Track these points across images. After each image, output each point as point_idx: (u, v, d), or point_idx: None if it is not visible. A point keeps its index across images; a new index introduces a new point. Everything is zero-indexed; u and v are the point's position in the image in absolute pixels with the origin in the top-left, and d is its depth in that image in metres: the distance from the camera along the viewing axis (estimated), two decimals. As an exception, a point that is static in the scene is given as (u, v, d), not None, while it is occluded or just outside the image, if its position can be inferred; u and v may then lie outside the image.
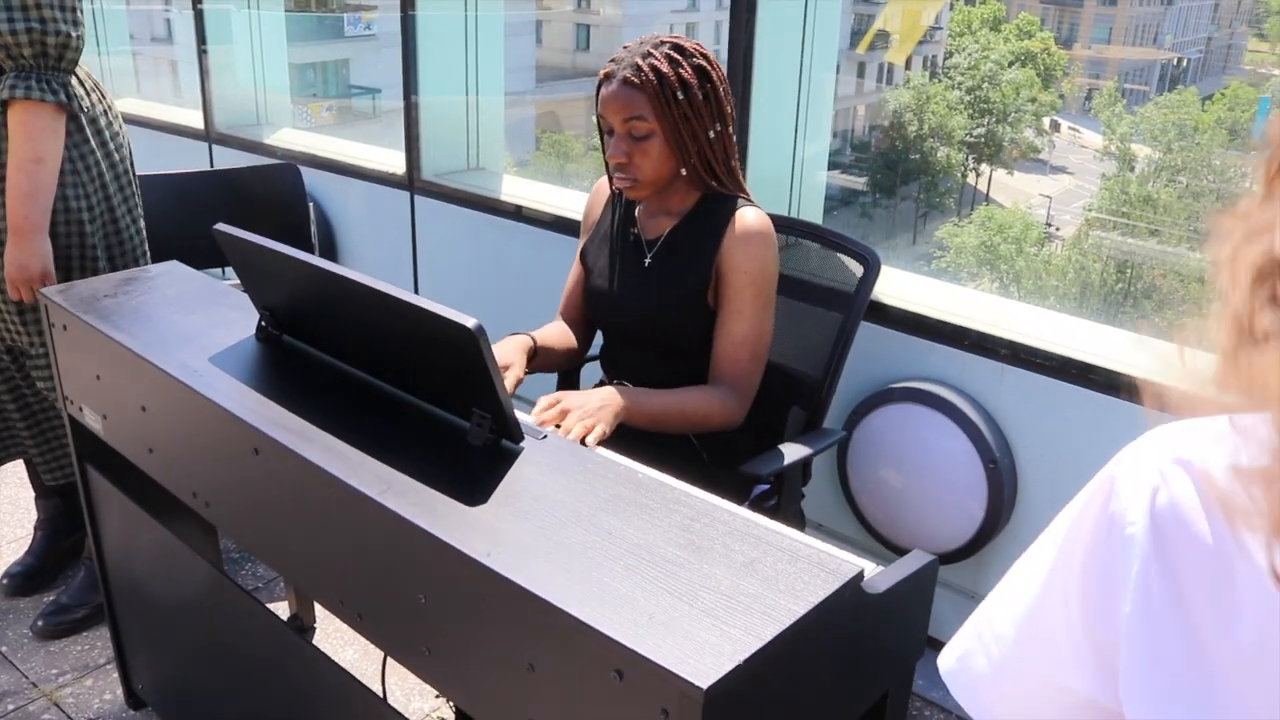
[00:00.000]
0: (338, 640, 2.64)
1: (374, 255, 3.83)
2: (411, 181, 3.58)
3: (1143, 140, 33.15)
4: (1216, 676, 0.72)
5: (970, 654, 0.89)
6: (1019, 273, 28.72)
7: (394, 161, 3.72)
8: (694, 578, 1.15)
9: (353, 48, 29.81)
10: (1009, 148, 36.25)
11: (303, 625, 2.52)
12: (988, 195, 36.13)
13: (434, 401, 1.56)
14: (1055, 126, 39.03)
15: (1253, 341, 0.49)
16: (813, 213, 2.95)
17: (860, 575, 1.19)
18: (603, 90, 1.94)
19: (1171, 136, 31.93)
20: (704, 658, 1.02)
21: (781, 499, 2.05)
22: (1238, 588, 0.70)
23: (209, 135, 4.41)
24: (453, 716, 2.32)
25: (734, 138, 2.01)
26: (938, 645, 2.61)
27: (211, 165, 4.41)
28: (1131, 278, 28.63)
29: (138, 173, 2.57)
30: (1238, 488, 0.64)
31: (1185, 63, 42.34)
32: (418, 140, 3.53)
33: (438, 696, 2.48)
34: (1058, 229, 33.38)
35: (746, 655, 1.03)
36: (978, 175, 36.89)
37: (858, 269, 2.20)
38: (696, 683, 0.99)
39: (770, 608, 1.10)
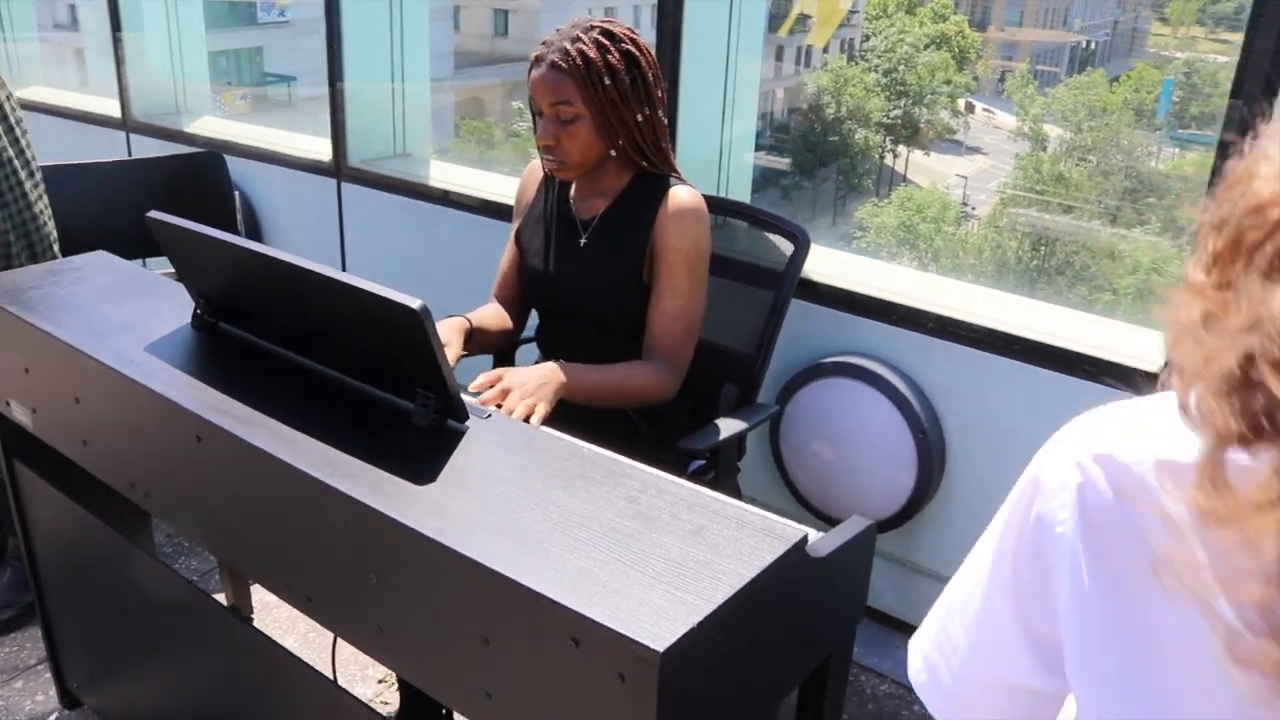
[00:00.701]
0: (276, 630, 2.63)
1: (301, 243, 3.79)
2: (338, 168, 3.55)
3: (1054, 121, 33.85)
4: (1151, 655, 0.75)
5: (935, 666, 0.93)
6: (938, 252, 29.18)
7: (319, 148, 3.68)
8: (645, 546, 1.18)
9: (266, 35, 29.23)
10: (925, 129, 36.77)
11: (241, 616, 2.51)
12: (905, 176, 36.61)
13: (377, 384, 1.56)
14: (970, 108, 39.64)
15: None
16: (741, 193, 2.99)
17: (804, 540, 1.23)
18: (533, 73, 1.96)
19: (1082, 117, 32.65)
20: (658, 622, 1.05)
21: (718, 473, 2.09)
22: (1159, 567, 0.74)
23: (126, 124, 4.32)
24: (396, 702, 2.32)
25: (664, 120, 2.04)
26: (873, 614, 2.68)
27: (130, 154, 4.32)
28: (1046, 255, 29.26)
29: (51, 163, 2.52)
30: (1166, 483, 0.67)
31: (1093, 45, 43.27)
32: (344, 127, 3.50)
33: (380, 681, 2.49)
34: (974, 209, 33.95)
35: (700, 619, 1.06)
36: (895, 156, 37.35)
37: (788, 247, 2.25)
38: (652, 646, 1.01)
39: (720, 573, 1.14)
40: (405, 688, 2.18)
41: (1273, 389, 0.47)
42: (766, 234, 2.31)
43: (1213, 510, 0.52)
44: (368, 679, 2.49)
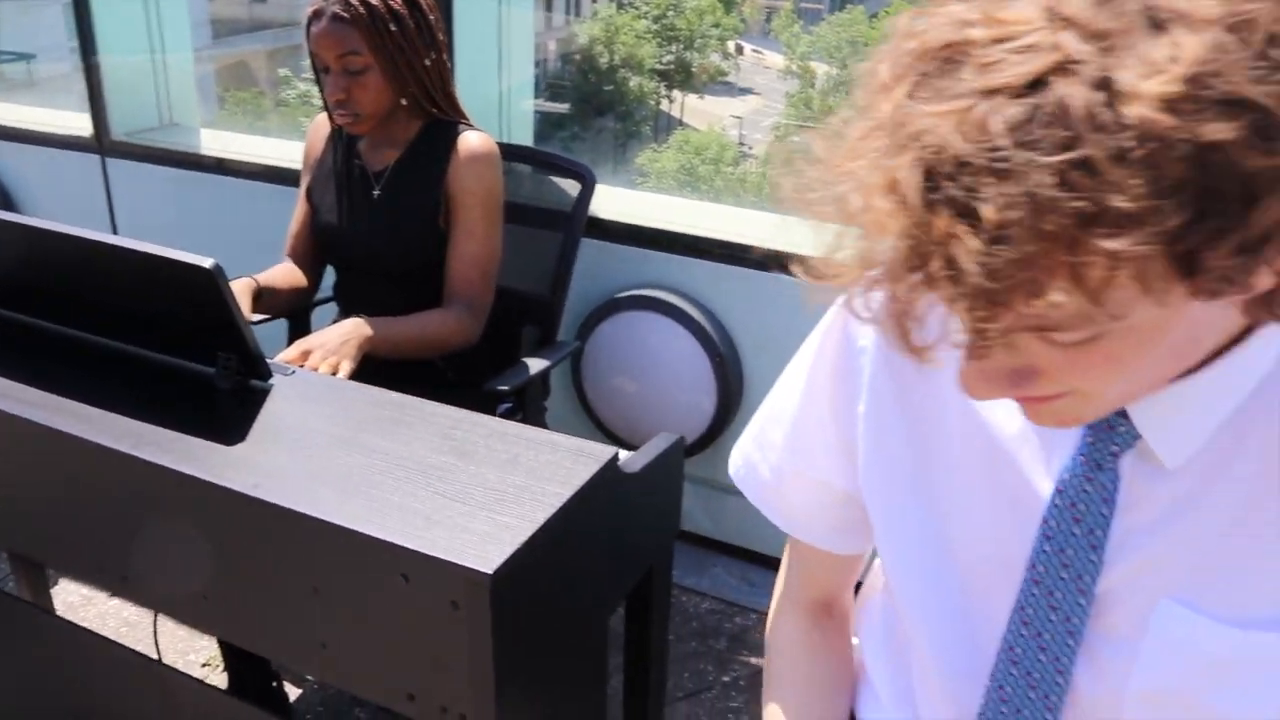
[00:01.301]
0: (84, 626, 2.53)
1: (67, 224, 3.58)
2: (100, 143, 3.37)
3: (820, 58, 35.01)
4: (932, 453, 0.88)
5: (754, 463, 1.06)
6: (719, 192, 29.85)
7: (79, 124, 3.49)
8: (463, 478, 1.21)
9: (-6, 10, 27.02)
10: (698, 73, 37.40)
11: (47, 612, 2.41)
12: (681, 120, 37.22)
13: (173, 352, 1.53)
14: (739, 49, 40.54)
15: None
16: (523, 140, 3.01)
17: (615, 457, 1.28)
18: (313, 28, 1.92)
19: (846, 53, 33.89)
20: (484, 547, 1.08)
21: (525, 414, 2.13)
22: (945, 380, 0.85)
23: None
24: (223, 685, 2.28)
25: (449, 64, 2.04)
26: (689, 537, 2.77)
27: None
28: (823, 188, 30.28)
29: None
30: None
31: (846, -20, 44.72)
32: (103, 100, 3.32)
33: (204, 665, 2.44)
34: (750, 148, 34.85)
35: (524, 539, 1.10)
36: (671, 101, 37.92)
37: (574, 187, 2.29)
38: (481, 569, 1.05)
39: (539, 495, 1.18)
40: (232, 665, 2.15)
41: None
42: (553, 177, 2.35)
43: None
44: (190, 665, 2.44)
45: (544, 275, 2.28)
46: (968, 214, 0.53)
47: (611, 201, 2.66)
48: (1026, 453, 0.82)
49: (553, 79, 36.94)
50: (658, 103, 37.43)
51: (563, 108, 34.47)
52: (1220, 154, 0.50)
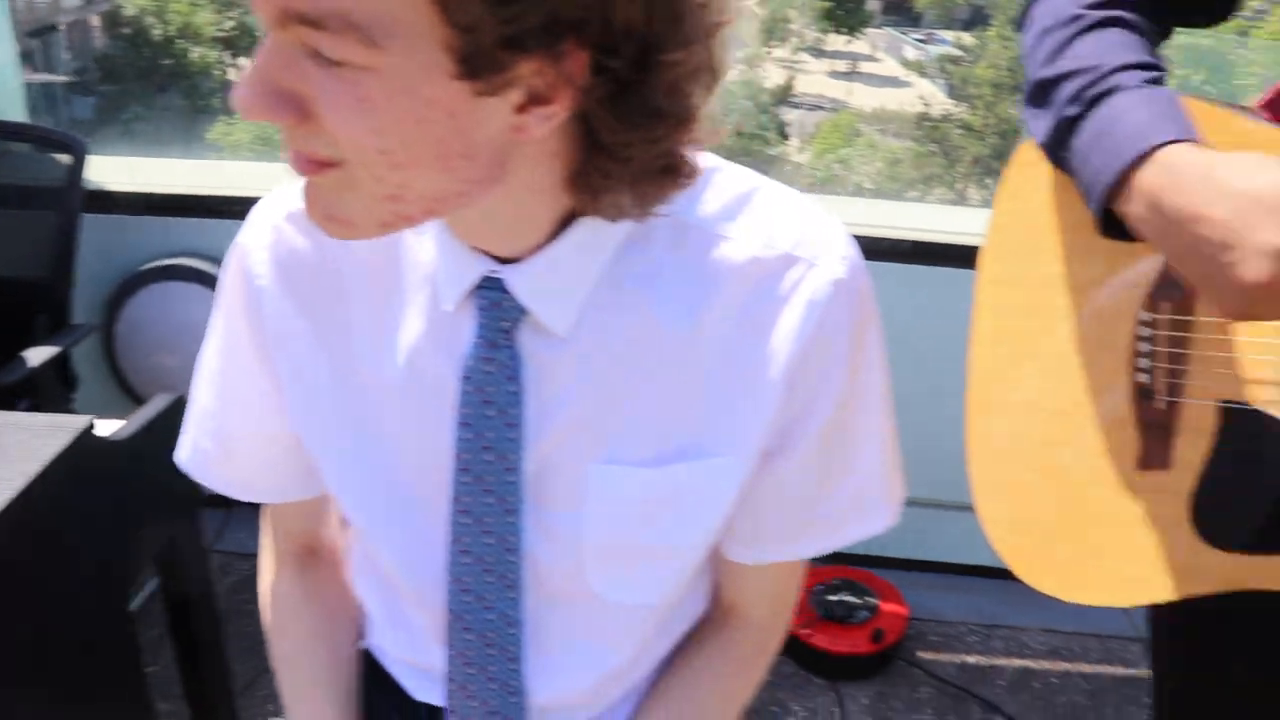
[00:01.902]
0: None
1: None
2: None
3: None
4: (351, 375, 0.88)
5: (197, 439, 0.98)
6: (303, 157, 28.85)
7: None
8: (-88, 477, 1.12)
9: None
10: (260, 37, 35.80)
11: None
12: (252, 89, 35.57)
13: None
14: (301, 9, 39.07)
15: None
16: (16, 117, 2.77)
17: (91, 426, 1.23)
18: None
19: None
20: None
21: (43, 409, 1.99)
22: (352, 300, 0.86)
23: None
24: None
25: None
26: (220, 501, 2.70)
27: None
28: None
29: None
30: None
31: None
32: None
33: None
34: (329, 109, 33.82)
35: (-16, 526, 1.04)
36: (239, 70, 36.02)
37: (66, 159, 2.14)
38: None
39: (4, 477, 1.11)
40: None
41: None
42: (39, 151, 2.18)
43: None
44: None
45: (44, 258, 2.12)
46: None
47: (120, 172, 2.51)
48: (435, 352, 0.84)
49: (101, 58, 34.02)
50: (224, 72, 35.42)
51: (113, 98, 31.81)
52: None
